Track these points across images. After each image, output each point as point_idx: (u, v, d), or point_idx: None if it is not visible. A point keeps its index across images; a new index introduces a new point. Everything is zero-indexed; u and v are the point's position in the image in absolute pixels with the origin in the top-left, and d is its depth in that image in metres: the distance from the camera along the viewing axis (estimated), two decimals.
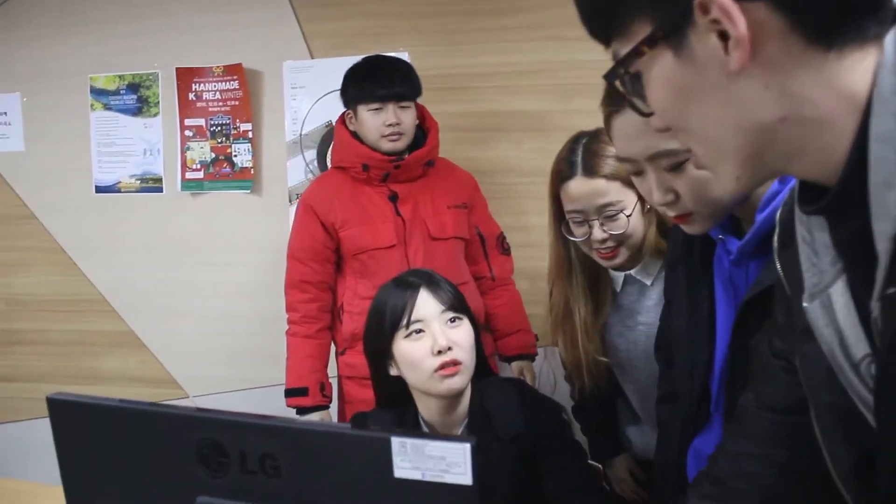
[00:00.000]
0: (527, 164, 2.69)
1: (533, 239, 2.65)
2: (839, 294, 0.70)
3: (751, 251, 1.17)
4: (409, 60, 2.45)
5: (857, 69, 0.60)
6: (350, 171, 2.25)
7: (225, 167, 2.90)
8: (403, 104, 2.18)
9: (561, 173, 1.61)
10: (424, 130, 2.29)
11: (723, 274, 1.26)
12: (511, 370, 2.38)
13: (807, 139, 0.64)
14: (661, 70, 0.67)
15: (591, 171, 1.57)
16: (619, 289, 1.72)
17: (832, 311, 0.71)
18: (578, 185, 1.58)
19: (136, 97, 2.98)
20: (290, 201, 2.84)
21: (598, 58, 2.66)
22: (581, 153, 1.59)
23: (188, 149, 2.94)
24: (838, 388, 0.72)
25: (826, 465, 0.80)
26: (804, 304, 0.74)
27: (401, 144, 2.20)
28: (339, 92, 2.65)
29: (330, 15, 2.78)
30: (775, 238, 0.85)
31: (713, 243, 1.27)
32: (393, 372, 1.58)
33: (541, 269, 2.62)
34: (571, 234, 1.61)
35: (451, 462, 0.78)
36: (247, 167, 2.88)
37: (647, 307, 1.69)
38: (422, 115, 2.29)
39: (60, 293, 3.18)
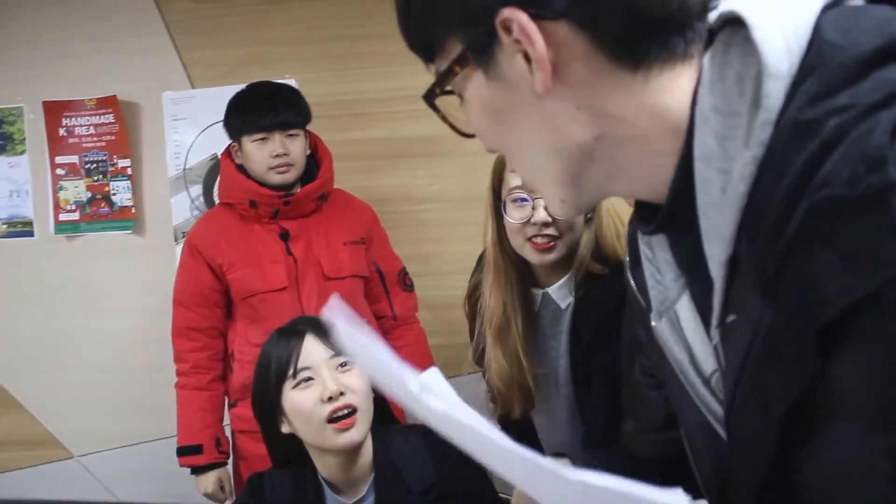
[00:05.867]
0: (421, 191, 2.63)
1: (432, 268, 2.58)
2: (685, 309, 0.70)
3: None
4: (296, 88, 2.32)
5: (670, 88, 0.59)
6: (237, 207, 2.11)
7: (103, 207, 2.70)
8: (291, 133, 2.06)
9: None
10: (317, 161, 2.17)
11: None
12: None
13: (626, 158, 0.62)
14: (474, 90, 0.65)
15: None
16: (536, 309, 1.64)
17: (679, 327, 0.70)
18: None
19: None
20: (177, 241, 2.67)
21: None
22: None
23: (61, 188, 2.72)
24: (696, 404, 0.70)
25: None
26: (653, 324, 0.73)
27: (290, 176, 2.07)
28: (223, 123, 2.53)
29: (211, 42, 2.64)
30: (626, 257, 0.84)
31: None
32: (285, 429, 1.48)
33: (442, 298, 2.56)
34: (510, 217, 1.52)
35: None
36: (127, 206, 2.69)
37: (558, 333, 1.62)
38: (314, 144, 2.17)
39: None
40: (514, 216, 1.51)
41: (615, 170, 0.64)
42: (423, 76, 2.53)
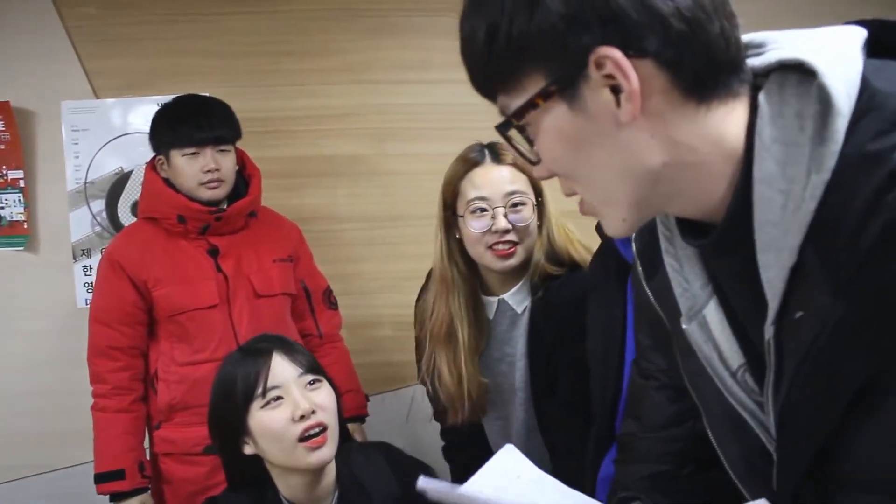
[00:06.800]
0: (342, 210, 2.62)
1: (352, 287, 2.58)
2: (712, 313, 0.80)
3: None
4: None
5: (727, 120, 0.69)
6: (163, 222, 2.03)
7: None
8: (223, 148, 2.01)
9: (467, 162, 1.61)
10: (245, 178, 2.13)
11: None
12: None
13: (686, 181, 0.71)
14: (553, 121, 0.70)
15: (499, 158, 1.59)
16: (491, 317, 1.70)
17: (708, 328, 0.80)
18: (486, 171, 1.59)
19: None
20: (75, 258, 2.50)
21: (409, 101, 2.70)
22: (487, 147, 1.61)
23: None
24: (724, 397, 0.81)
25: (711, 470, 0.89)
26: (683, 326, 0.82)
27: (221, 193, 2.02)
28: (132, 136, 2.44)
29: (117, 51, 2.51)
30: (639, 269, 0.92)
31: (628, 267, 1.31)
32: (248, 450, 1.44)
33: (362, 317, 2.58)
34: (471, 227, 1.58)
35: None
36: (18, 221, 2.49)
37: (515, 337, 1.69)
38: (242, 160, 2.13)
39: None
40: (474, 226, 1.58)
41: (675, 192, 0.72)
42: (345, 96, 2.62)
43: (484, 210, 1.58)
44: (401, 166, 2.60)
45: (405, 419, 2.53)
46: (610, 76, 0.66)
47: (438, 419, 1.85)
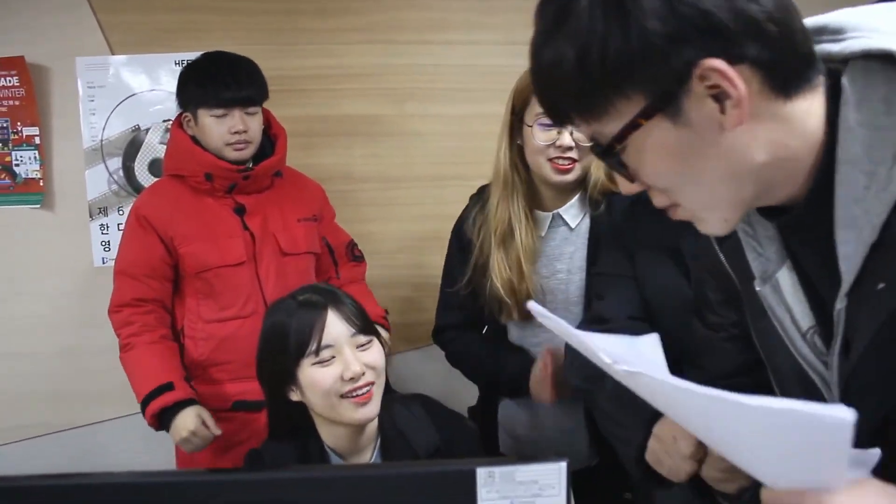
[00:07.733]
0: (359, 171, 2.62)
1: (368, 247, 2.57)
2: (785, 278, 0.83)
3: None
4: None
5: (809, 111, 0.72)
6: (190, 180, 2.02)
7: (3, 178, 2.45)
8: (250, 110, 2.00)
9: None
10: (271, 137, 2.12)
11: None
12: None
13: (779, 176, 0.74)
14: (657, 138, 0.71)
15: None
16: (543, 233, 1.75)
17: (780, 291, 0.84)
18: None
19: None
20: (92, 217, 2.48)
21: (428, 62, 2.64)
22: None
23: None
24: (793, 355, 0.85)
25: None
26: (757, 288, 0.85)
27: (247, 154, 2.02)
28: (148, 93, 2.41)
29: (132, 5, 2.46)
30: None
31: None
32: (294, 397, 1.47)
33: (378, 278, 2.58)
34: (537, 139, 1.64)
35: (545, 485, 0.78)
36: (34, 178, 2.46)
37: (567, 254, 1.74)
38: (267, 119, 2.12)
39: None
40: (540, 137, 1.64)
41: (768, 188, 0.75)
42: (362, 56, 2.59)
43: (552, 125, 1.62)
44: (419, 127, 2.60)
45: (425, 377, 2.56)
46: (714, 86, 0.67)
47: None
